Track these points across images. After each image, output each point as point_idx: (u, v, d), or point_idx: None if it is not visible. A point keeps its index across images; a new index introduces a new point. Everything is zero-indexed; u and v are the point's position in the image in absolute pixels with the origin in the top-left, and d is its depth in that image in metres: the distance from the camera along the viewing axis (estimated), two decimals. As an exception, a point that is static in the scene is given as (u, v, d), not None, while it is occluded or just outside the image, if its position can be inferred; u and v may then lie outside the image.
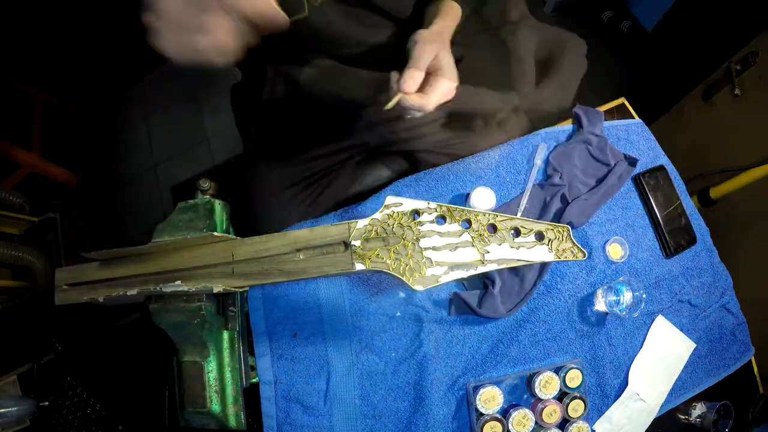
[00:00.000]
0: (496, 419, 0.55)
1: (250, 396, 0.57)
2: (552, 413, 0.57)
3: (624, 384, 0.62)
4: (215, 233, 0.48)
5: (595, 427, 0.61)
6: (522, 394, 0.59)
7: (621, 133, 0.73)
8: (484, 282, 0.60)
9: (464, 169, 0.66)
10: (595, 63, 0.82)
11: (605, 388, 0.61)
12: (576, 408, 0.58)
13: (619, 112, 0.78)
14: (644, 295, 0.60)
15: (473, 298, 0.58)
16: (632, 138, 0.73)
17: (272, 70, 0.67)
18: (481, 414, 0.55)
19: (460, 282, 0.61)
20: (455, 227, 0.46)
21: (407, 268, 0.45)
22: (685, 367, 0.65)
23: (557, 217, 0.63)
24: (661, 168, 0.71)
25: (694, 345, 0.66)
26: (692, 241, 0.69)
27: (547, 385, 0.57)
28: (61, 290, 0.50)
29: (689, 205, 0.72)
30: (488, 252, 0.46)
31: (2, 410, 0.59)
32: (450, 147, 0.78)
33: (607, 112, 0.76)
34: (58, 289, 0.50)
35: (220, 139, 1.75)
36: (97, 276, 0.49)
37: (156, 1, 0.38)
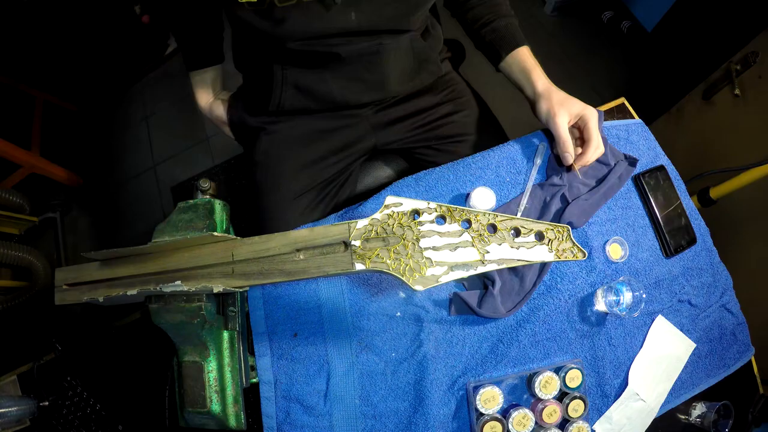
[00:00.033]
0: (496, 419, 0.55)
1: (250, 396, 0.57)
2: (552, 413, 0.57)
3: (624, 384, 0.62)
4: (215, 233, 0.48)
5: (595, 427, 0.61)
6: (522, 394, 0.59)
7: (621, 133, 0.73)
8: (484, 282, 0.60)
9: (464, 169, 0.66)
10: (595, 63, 0.82)
11: (605, 388, 0.61)
12: (576, 408, 0.58)
13: (619, 112, 0.78)
14: (644, 295, 0.60)
15: (473, 298, 0.58)
16: (632, 138, 0.73)
17: (280, 74, 0.67)
18: (481, 414, 0.55)
19: (460, 282, 0.61)
20: (455, 227, 0.46)
21: (407, 268, 0.45)
22: (685, 367, 0.65)
23: (557, 217, 0.63)
24: (661, 168, 0.71)
25: (694, 345, 0.66)
26: (692, 241, 0.69)
27: (547, 385, 0.57)
28: (61, 290, 0.50)
29: (689, 205, 0.72)
30: (488, 252, 0.46)
31: (2, 410, 0.59)
32: (450, 144, 0.79)
33: (607, 112, 0.76)
34: (58, 289, 0.50)
35: (220, 139, 1.75)
36: (97, 276, 0.49)
37: None
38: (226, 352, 0.51)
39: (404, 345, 0.59)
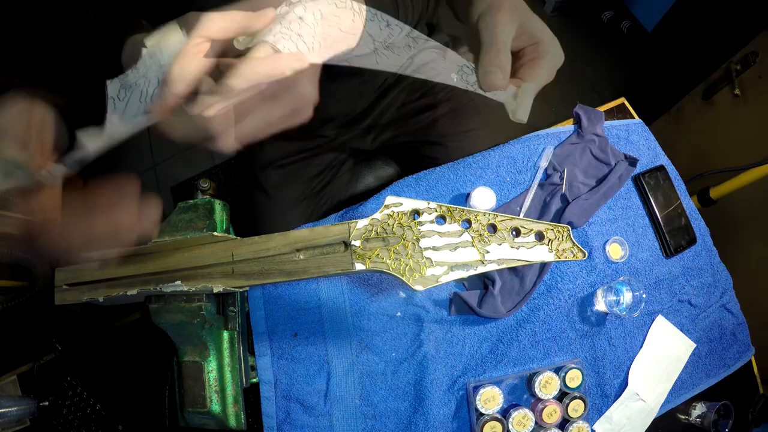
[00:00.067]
0: (496, 419, 0.55)
1: (250, 396, 0.57)
2: (552, 413, 0.57)
3: (624, 384, 0.62)
4: (215, 233, 0.47)
5: (595, 427, 0.61)
6: (522, 394, 0.59)
7: (621, 133, 0.73)
8: (484, 282, 0.60)
9: (464, 169, 0.66)
10: (595, 63, 0.82)
11: (605, 388, 0.61)
12: (576, 408, 0.58)
13: (619, 112, 0.78)
14: (644, 295, 0.60)
15: (473, 298, 0.58)
16: (632, 138, 0.73)
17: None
18: (481, 414, 0.55)
19: (460, 282, 0.61)
20: (455, 227, 0.46)
21: (407, 268, 0.45)
22: (685, 367, 0.65)
23: (557, 217, 0.63)
24: (661, 168, 0.71)
25: (694, 345, 0.66)
26: (692, 241, 0.69)
27: (547, 385, 0.57)
28: (61, 290, 0.50)
29: (689, 205, 0.72)
30: (488, 252, 0.46)
31: (2, 410, 0.59)
32: (453, 138, 0.78)
33: (607, 112, 0.76)
34: (58, 289, 0.50)
35: (220, 139, 1.74)
36: (97, 276, 0.49)
37: None
38: (226, 352, 0.51)
39: (404, 345, 0.59)
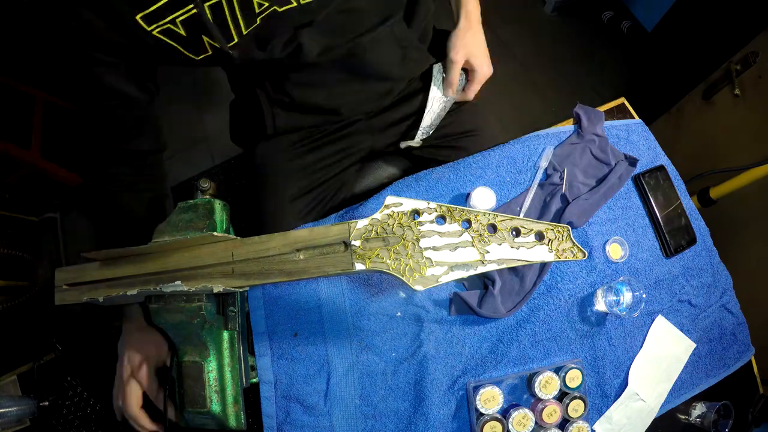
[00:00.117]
0: (496, 419, 0.55)
1: (250, 396, 0.57)
2: (552, 413, 0.57)
3: (624, 384, 0.62)
4: (215, 233, 0.47)
5: (595, 427, 0.61)
6: (522, 394, 0.59)
7: (621, 133, 0.73)
8: (484, 282, 0.60)
9: (464, 169, 0.66)
10: (595, 63, 0.82)
11: (605, 388, 0.61)
12: (576, 408, 0.58)
13: (619, 112, 0.78)
14: (644, 295, 0.60)
15: (473, 298, 0.58)
16: (632, 138, 0.73)
17: (265, 99, 0.66)
18: (481, 414, 0.55)
19: (460, 282, 0.61)
20: (455, 227, 0.46)
21: (407, 268, 0.45)
22: (685, 367, 0.65)
23: (557, 217, 0.63)
24: (661, 168, 0.71)
25: (694, 345, 0.66)
26: (692, 241, 0.69)
27: (547, 385, 0.57)
28: (61, 290, 0.50)
29: (689, 205, 0.72)
30: (488, 252, 0.46)
31: (2, 410, 0.59)
32: (453, 141, 0.79)
33: (607, 112, 0.76)
34: (58, 289, 0.50)
35: (220, 139, 1.74)
36: (97, 276, 0.49)
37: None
38: (226, 352, 0.51)
39: (404, 345, 0.59)
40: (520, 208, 0.64)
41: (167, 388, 0.52)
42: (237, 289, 0.47)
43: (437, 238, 0.46)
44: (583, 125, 0.69)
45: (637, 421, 0.62)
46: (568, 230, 0.47)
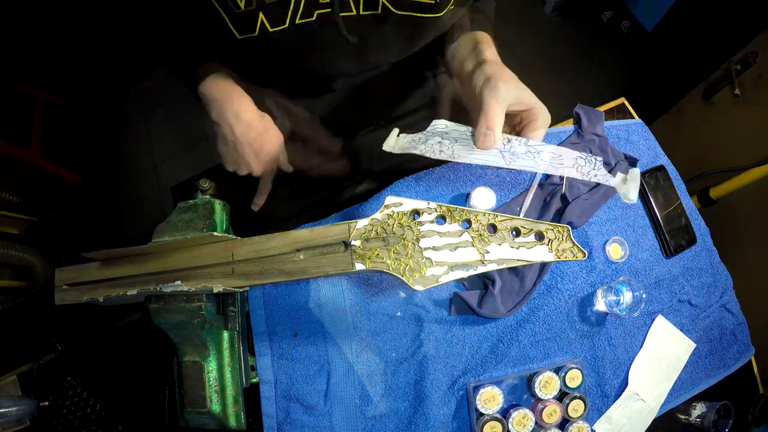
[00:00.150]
0: (496, 419, 0.55)
1: (250, 396, 0.57)
2: (552, 413, 0.57)
3: (624, 384, 0.62)
4: (215, 233, 0.47)
5: (595, 427, 0.61)
6: (522, 394, 0.59)
7: (621, 133, 0.73)
8: (484, 282, 0.60)
9: (464, 169, 0.66)
10: (595, 63, 0.82)
11: (605, 388, 0.61)
12: (576, 408, 0.58)
13: (619, 112, 0.78)
14: (644, 295, 0.60)
15: (473, 298, 0.58)
16: (632, 138, 0.73)
17: (272, 103, 0.67)
18: (481, 414, 0.55)
19: (460, 282, 0.61)
20: (455, 227, 0.46)
21: (407, 268, 0.45)
22: (685, 367, 0.65)
23: (557, 217, 0.63)
24: (661, 168, 0.71)
25: (694, 345, 0.66)
26: (692, 241, 0.69)
27: (547, 385, 0.57)
28: (61, 290, 0.50)
29: (689, 205, 0.72)
30: (488, 252, 0.46)
31: (2, 410, 0.59)
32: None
33: (607, 112, 0.76)
34: (58, 289, 0.50)
35: (220, 139, 1.74)
36: (97, 276, 0.49)
37: None
38: (226, 352, 0.51)
39: (404, 345, 0.59)
40: (520, 208, 0.64)
41: (168, 388, 0.52)
42: (237, 289, 0.47)
43: (437, 238, 0.46)
44: (583, 125, 0.69)
45: (637, 421, 0.62)
46: (568, 230, 0.47)
